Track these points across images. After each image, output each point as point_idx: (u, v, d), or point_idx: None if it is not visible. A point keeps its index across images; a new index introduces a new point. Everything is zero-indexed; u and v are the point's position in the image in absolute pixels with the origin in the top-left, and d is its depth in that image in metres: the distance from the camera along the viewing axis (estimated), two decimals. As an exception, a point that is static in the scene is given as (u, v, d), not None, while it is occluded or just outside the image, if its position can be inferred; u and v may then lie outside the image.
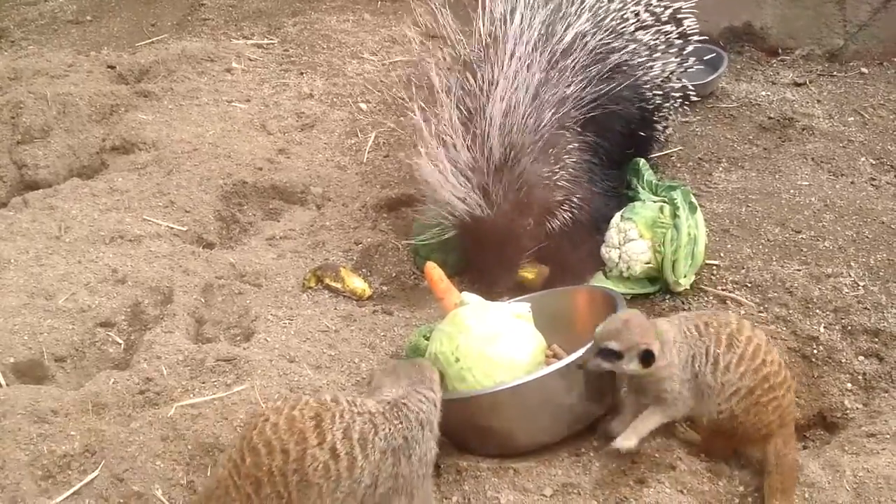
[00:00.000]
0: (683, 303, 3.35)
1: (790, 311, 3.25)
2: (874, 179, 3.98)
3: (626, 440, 2.56)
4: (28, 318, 3.22)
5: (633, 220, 3.36)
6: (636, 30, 3.66)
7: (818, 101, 4.59)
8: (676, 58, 3.80)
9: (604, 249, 3.42)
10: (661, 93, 3.77)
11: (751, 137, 4.35)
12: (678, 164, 4.16)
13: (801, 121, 4.40)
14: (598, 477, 2.61)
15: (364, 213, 3.98)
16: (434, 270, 3.13)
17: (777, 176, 4.03)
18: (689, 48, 3.85)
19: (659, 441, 2.66)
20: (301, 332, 3.27)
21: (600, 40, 3.50)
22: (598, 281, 3.37)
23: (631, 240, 3.34)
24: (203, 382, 2.99)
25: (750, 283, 3.39)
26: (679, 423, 2.69)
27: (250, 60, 5.27)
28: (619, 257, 3.35)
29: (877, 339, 3.12)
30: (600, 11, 3.55)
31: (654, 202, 3.45)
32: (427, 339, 2.90)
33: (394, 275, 3.68)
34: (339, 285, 3.52)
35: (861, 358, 3.09)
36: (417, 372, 2.48)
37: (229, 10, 5.92)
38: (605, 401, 2.76)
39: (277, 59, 5.30)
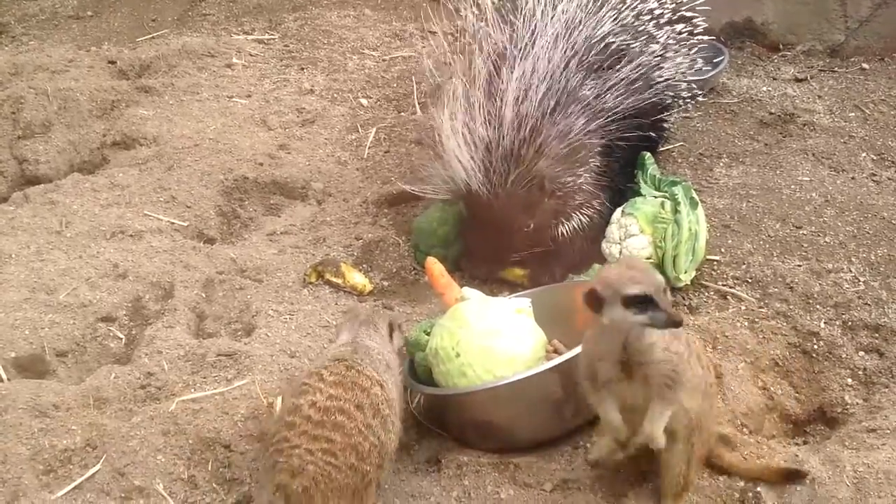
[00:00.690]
0: (684, 298, 3.35)
1: (791, 307, 3.24)
2: (875, 175, 3.98)
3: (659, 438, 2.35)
4: (29, 312, 3.22)
5: (634, 216, 3.36)
6: (653, 28, 3.68)
7: (819, 97, 4.58)
8: (686, 57, 3.81)
9: (604, 245, 3.42)
10: (672, 92, 3.78)
11: (752, 133, 4.34)
12: (679, 160, 4.15)
13: (802, 116, 4.40)
14: (597, 472, 2.61)
15: (365, 208, 3.98)
16: (435, 266, 3.14)
17: (778, 171, 4.03)
18: (697, 47, 3.86)
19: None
20: (302, 327, 3.28)
21: (623, 40, 3.54)
22: (599, 276, 3.37)
23: (632, 235, 3.34)
24: (204, 377, 3.00)
25: (750, 278, 3.39)
26: None
27: (251, 56, 5.26)
28: (620, 252, 3.35)
29: (877, 335, 3.12)
30: (624, 11, 3.59)
31: (656, 197, 3.45)
32: (428, 334, 2.90)
33: (394, 270, 3.68)
34: (339, 281, 3.52)
35: (861, 353, 3.08)
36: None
37: (230, 6, 5.92)
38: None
39: (278, 55, 5.29)
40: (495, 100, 3.27)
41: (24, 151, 4.38)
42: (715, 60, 4.50)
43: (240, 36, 5.49)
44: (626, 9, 3.61)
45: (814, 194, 3.83)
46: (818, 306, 3.24)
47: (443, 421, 2.85)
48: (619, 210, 3.43)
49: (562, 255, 3.43)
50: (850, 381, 3.03)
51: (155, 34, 5.57)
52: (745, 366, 3.04)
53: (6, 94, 4.58)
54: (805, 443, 2.91)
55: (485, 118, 3.23)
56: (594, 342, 2.34)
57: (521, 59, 3.33)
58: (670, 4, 3.76)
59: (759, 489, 2.53)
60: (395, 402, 2.48)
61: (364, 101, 4.82)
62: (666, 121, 3.94)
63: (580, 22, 3.45)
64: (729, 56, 4.75)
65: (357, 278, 3.54)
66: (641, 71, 3.56)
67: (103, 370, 3.02)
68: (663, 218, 3.34)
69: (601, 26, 3.49)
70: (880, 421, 2.80)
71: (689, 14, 3.82)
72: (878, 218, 3.66)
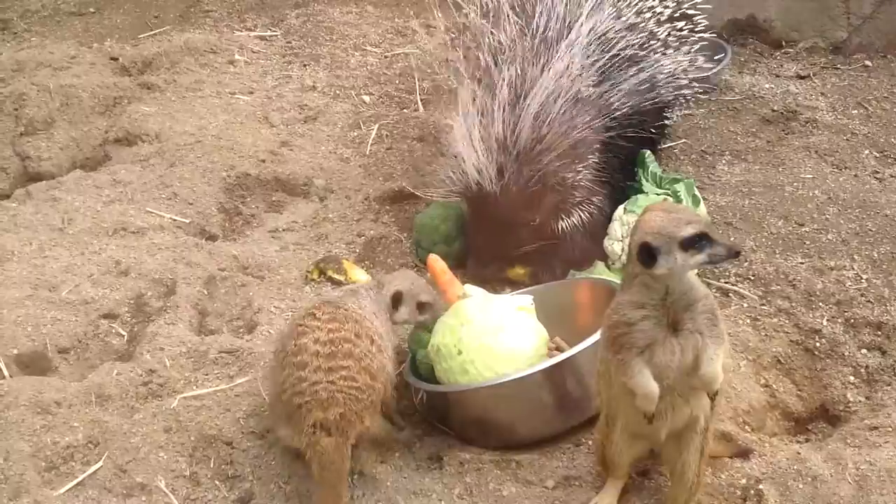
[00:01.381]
0: (686, 296, 3.34)
1: (793, 304, 3.24)
2: (878, 172, 3.97)
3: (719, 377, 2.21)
4: (31, 309, 3.23)
5: (636, 213, 3.35)
6: (653, 26, 3.69)
7: (822, 94, 4.58)
8: (686, 54, 3.80)
9: (607, 242, 3.41)
10: (672, 89, 3.78)
11: (754, 130, 4.34)
12: (682, 157, 4.15)
13: (805, 113, 4.39)
14: (599, 469, 2.61)
15: (367, 205, 3.98)
16: (437, 263, 3.13)
17: (780, 169, 4.02)
18: (698, 45, 3.85)
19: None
20: (304, 324, 3.27)
21: (628, 40, 3.54)
22: (601, 273, 3.37)
23: (634, 232, 3.34)
24: (206, 374, 3.01)
25: (753, 275, 3.38)
26: None
27: (253, 52, 5.26)
28: (622, 249, 3.35)
29: (879, 332, 3.12)
30: (624, 9, 3.59)
31: (658, 195, 3.45)
32: (430, 331, 2.90)
33: (396, 267, 3.67)
34: (341, 277, 3.52)
35: (864, 351, 3.08)
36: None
37: (232, 2, 5.91)
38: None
39: (280, 51, 5.29)
40: (510, 101, 3.27)
41: (27, 148, 4.38)
42: (716, 57, 4.49)
43: (242, 32, 5.49)
44: (626, 6, 3.61)
45: (816, 192, 3.83)
46: (820, 304, 3.24)
47: (445, 418, 2.85)
48: (621, 207, 3.42)
49: (563, 253, 3.43)
50: (852, 378, 3.03)
51: (157, 31, 5.56)
52: (747, 363, 3.05)
53: (8, 91, 4.58)
54: (807, 440, 2.91)
55: (502, 119, 3.23)
56: (631, 307, 2.21)
57: (533, 60, 3.34)
58: (671, 3, 3.76)
59: (761, 487, 2.53)
60: (384, 336, 2.66)
61: (366, 98, 4.82)
62: (667, 118, 3.93)
63: (588, 20, 3.46)
64: (731, 53, 4.75)
65: (359, 275, 3.54)
66: (642, 68, 3.55)
67: (105, 367, 3.02)
68: (666, 215, 3.32)
69: (605, 24, 3.49)
70: (882, 419, 2.80)
71: (690, 12, 3.82)
72: (880, 215, 3.66)
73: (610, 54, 3.47)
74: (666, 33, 3.72)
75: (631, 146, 3.58)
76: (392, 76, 5.00)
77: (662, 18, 3.72)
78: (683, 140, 4.24)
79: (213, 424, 2.78)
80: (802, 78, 4.73)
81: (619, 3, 3.61)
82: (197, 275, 3.47)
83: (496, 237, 3.32)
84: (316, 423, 2.44)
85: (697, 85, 3.93)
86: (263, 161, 4.21)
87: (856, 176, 3.95)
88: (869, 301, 3.23)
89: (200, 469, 2.68)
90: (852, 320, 3.17)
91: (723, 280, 3.38)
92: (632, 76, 3.50)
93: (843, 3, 4.87)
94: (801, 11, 4.96)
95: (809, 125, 4.33)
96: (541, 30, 3.43)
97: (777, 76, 4.76)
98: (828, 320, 3.17)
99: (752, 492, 2.53)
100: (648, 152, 3.67)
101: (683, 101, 3.97)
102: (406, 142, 4.40)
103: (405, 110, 4.68)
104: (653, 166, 3.61)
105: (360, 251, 3.73)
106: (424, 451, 2.79)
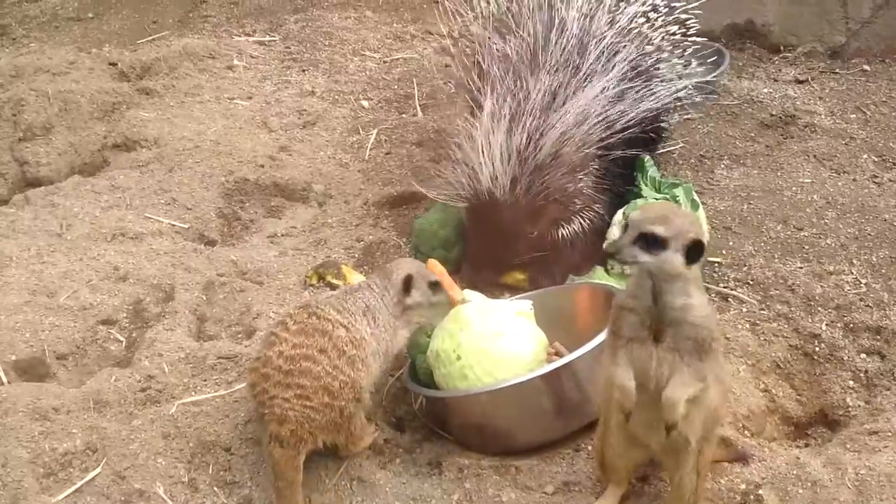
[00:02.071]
0: (685, 300, 3.34)
1: (792, 309, 3.24)
2: (876, 177, 3.98)
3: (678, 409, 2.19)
4: (30, 315, 3.22)
5: (634, 218, 3.35)
6: (647, 30, 3.70)
7: (820, 99, 4.58)
8: (680, 58, 3.81)
9: (606, 246, 3.41)
10: (669, 94, 3.78)
11: (753, 135, 4.34)
12: (680, 161, 4.15)
13: (803, 118, 4.40)
14: (599, 474, 2.61)
15: (366, 210, 3.98)
16: (436, 267, 3.13)
17: (779, 173, 4.03)
18: (691, 48, 3.86)
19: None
20: (303, 329, 3.27)
21: (626, 47, 3.55)
22: (600, 278, 3.37)
23: (633, 237, 3.33)
24: (204, 380, 3.00)
25: (752, 280, 3.38)
26: None
27: (252, 57, 5.27)
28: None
29: (879, 337, 3.12)
30: (618, 15, 3.60)
31: (657, 199, 3.44)
32: (429, 336, 2.90)
33: (395, 272, 3.67)
34: (340, 282, 3.51)
35: (863, 355, 3.08)
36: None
37: (231, 7, 5.92)
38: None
39: (279, 57, 5.30)
40: (541, 111, 3.28)
41: (25, 153, 4.38)
42: (709, 60, 4.47)
43: (241, 38, 5.49)
44: (619, 14, 3.62)
45: (815, 196, 3.83)
46: (819, 308, 3.24)
47: (444, 424, 2.85)
48: (620, 212, 3.43)
49: (562, 258, 3.43)
50: (851, 383, 3.03)
51: (156, 36, 5.57)
52: (746, 368, 3.05)
53: (7, 96, 4.58)
54: (807, 445, 2.91)
55: (527, 131, 3.24)
56: (628, 294, 2.25)
57: (548, 72, 3.36)
58: (663, 8, 3.77)
59: (760, 492, 2.52)
60: (367, 340, 2.62)
61: (365, 103, 4.82)
62: (665, 122, 3.93)
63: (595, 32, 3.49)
64: (730, 58, 4.75)
65: (358, 280, 3.54)
66: (640, 73, 3.56)
67: (104, 373, 3.02)
68: (664, 220, 3.32)
69: (608, 34, 3.50)
70: (882, 423, 2.80)
71: (683, 16, 3.83)
72: (879, 220, 3.66)
73: (613, 62, 3.48)
74: (660, 38, 3.73)
75: (630, 152, 3.59)
76: (391, 81, 5.01)
77: (657, 24, 3.73)
78: (682, 144, 4.24)
79: (211, 430, 2.77)
80: (801, 82, 4.74)
81: (614, 9, 3.61)
82: (195, 280, 3.47)
83: (497, 245, 3.32)
84: (271, 434, 2.51)
85: (693, 89, 3.94)
86: (262, 166, 4.21)
87: (854, 180, 3.95)
88: (868, 305, 3.23)
89: (199, 475, 2.68)
90: (851, 325, 3.16)
91: (721, 285, 3.38)
92: (632, 84, 3.50)
93: (842, 7, 4.88)
94: (800, 16, 4.97)
95: (808, 130, 4.33)
96: (574, 42, 3.44)
97: (775, 81, 4.77)
98: (827, 325, 3.17)
99: (752, 497, 2.53)
100: (648, 157, 3.67)
101: (679, 105, 3.97)
102: (405, 147, 4.41)
103: (404, 115, 4.68)
104: (652, 171, 3.61)
105: (358, 256, 3.72)
106: (423, 456, 2.79)
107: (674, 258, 2.11)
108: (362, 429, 2.69)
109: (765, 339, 3.15)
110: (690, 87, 3.89)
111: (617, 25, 3.54)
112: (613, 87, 3.38)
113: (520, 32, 3.50)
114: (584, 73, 3.37)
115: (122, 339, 3.26)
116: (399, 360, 2.96)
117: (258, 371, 2.55)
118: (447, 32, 3.92)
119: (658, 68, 3.68)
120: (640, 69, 3.57)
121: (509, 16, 3.59)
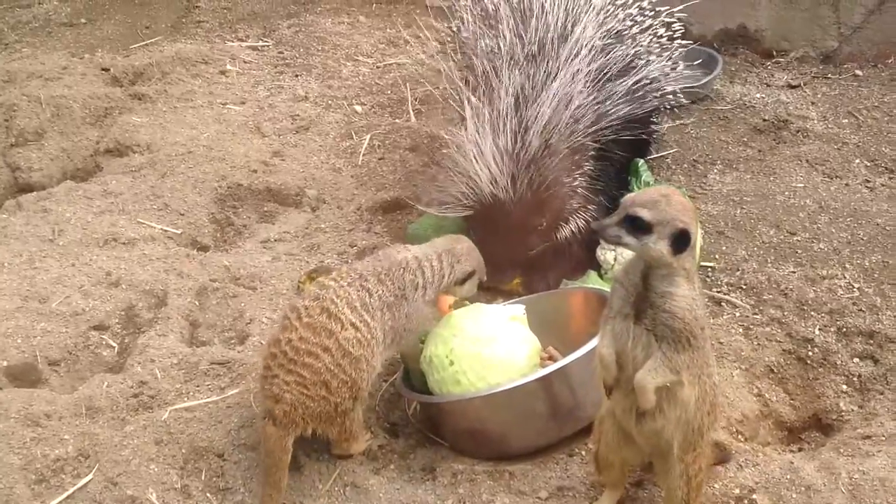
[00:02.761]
0: (678, 305, 3.34)
1: (785, 313, 3.25)
2: (868, 181, 3.99)
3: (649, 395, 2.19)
4: (21, 321, 3.21)
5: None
6: (637, 33, 3.74)
7: (812, 104, 4.59)
8: (668, 60, 3.84)
9: (599, 251, 3.41)
10: (657, 95, 3.80)
11: (745, 139, 4.35)
12: (673, 166, 4.16)
13: (796, 123, 4.41)
14: (593, 479, 2.60)
15: (359, 215, 3.98)
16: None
17: (772, 178, 4.03)
18: (679, 51, 3.88)
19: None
20: (296, 335, 3.26)
21: (618, 48, 3.57)
22: (594, 282, 3.37)
23: (626, 241, 3.34)
24: (197, 386, 2.99)
25: (745, 284, 3.39)
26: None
27: (245, 63, 5.26)
28: (615, 259, 3.35)
29: (872, 341, 3.13)
30: (608, 17, 3.63)
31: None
32: (422, 341, 2.90)
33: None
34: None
35: (856, 360, 3.09)
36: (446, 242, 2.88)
37: (224, 13, 5.92)
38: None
39: (272, 62, 5.29)
40: (516, 108, 3.29)
41: (17, 159, 4.37)
42: (696, 62, 4.48)
43: (234, 43, 5.49)
44: (609, 17, 3.64)
45: (808, 201, 3.84)
46: (813, 313, 3.24)
47: (437, 429, 2.85)
48: (613, 216, 3.43)
49: (556, 262, 3.43)
50: (844, 387, 3.03)
51: (149, 41, 5.56)
52: (739, 372, 3.05)
53: (-1, 102, 4.58)
54: (800, 450, 2.91)
55: (510, 129, 3.25)
56: (624, 266, 2.28)
57: (537, 66, 3.37)
58: (650, 11, 3.80)
59: (754, 496, 2.53)
60: (377, 338, 2.64)
61: (358, 108, 4.82)
62: (655, 123, 3.94)
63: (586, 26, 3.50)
64: (722, 63, 4.76)
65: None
66: (630, 73, 3.57)
67: (96, 379, 3.01)
68: (658, 224, 3.33)
69: (596, 31, 3.51)
70: (875, 428, 2.81)
71: (668, 20, 3.87)
72: (871, 224, 3.67)
73: (601, 60, 3.49)
74: (648, 40, 3.77)
75: (623, 154, 3.60)
76: (384, 86, 5.01)
77: (644, 26, 3.76)
78: (675, 149, 4.25)
79: (204, 436, 2.77)
80: (793, 87, 4.75)
81: (602, 11, 3.63)
82: (188, 286, 3.46)
83: (511, 243, 3.31)
84: (266, 410, 2.58)
85: (680, 92, 3.96)
86: (255, 171, 4.20)
87: (847, 185, 3.96)
88: (861, 310, 3.23)
89: (191, 481, 2.67)
90: (844, 329, 3.17)
91: (715, 289, 3.38)
92: (621, 82, 3.51)
93: (834, 12, 4.89)
94: (792, 21, 4.98)
95: (800, 134, 4.34)
96: (539, 34, 3.45)
97: (768, 85, 4.78)
98: (820, 329, 3.18)
99: (746, 501, 2.53)
100: (641, 161, 3.69)
101: (668, 107, 4.00)
102: (398, 151, 4.40)
103: (397, 120, 4.68)
104: (645, 175, 3.62)
105: (352, 261, 3.71)
106: (417, 462, 2.79)
107: (657, 244, 2.09)
108: (358, 426, 2.70)
109: (758, 344, 3.15)
110: (678, 89, 3.92)
111: (603, 28, 3.57)
112: (588, 67, 3.37)
113: (500, 27, 3.52)
114: (558, 64, 3.38)
115: (114, 344, 3.25)
116: (392, 366, 2.95)
117: (269, 348, 2.62)
118: (434, 38, 3.93)
119: (641, 59, 3.70)
120: (624, 65, 3.58)
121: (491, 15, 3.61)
